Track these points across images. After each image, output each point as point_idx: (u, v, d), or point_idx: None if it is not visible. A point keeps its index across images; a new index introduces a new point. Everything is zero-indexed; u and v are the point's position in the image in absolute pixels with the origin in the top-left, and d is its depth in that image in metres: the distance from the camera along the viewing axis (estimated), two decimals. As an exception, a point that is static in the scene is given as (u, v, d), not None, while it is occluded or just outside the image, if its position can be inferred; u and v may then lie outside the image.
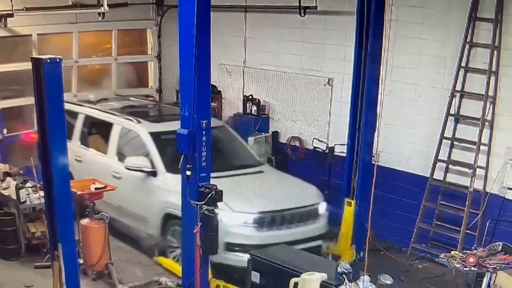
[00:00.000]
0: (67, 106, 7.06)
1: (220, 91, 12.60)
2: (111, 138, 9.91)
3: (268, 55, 11.74)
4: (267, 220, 8.31)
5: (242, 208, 8.23)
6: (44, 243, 8.84)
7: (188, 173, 6.38)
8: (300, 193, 9.09)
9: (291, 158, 11.61)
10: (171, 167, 8.50)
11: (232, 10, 11.87)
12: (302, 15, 9.89)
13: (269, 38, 11.67)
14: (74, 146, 10.01)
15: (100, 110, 10.44)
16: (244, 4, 11.73)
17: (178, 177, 6.82)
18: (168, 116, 10.29)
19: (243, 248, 7.91)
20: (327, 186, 10.13)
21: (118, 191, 8.79)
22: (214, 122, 7.32)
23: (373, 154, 8.67)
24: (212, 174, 6.71)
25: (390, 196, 9.70)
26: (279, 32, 11.43)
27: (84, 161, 10.20)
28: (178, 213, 7.27)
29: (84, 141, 10.51)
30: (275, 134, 11.82)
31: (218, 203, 6.51)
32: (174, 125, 7.00)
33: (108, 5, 7.61)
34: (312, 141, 11.06)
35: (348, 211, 8.81)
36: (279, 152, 11.74)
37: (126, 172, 9.25)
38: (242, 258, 7.55)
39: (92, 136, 10.67)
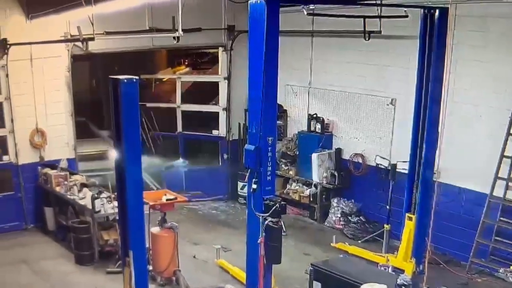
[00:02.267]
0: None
1: (285, 110, 12.59)
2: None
3: (332, 76, 11.59)
4: None
5: None
6: (116, 250, 9.01)
7: (254, 186, 6.29)
8: None
9: (353, 174, 11.38)
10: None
11: (300, 35, 11.83)
12: (367, 39, 9.68)
13: (334, 60, 11.53)
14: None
15: None
16: (311, 29, 11.64)
17: None
18: None
19: None
20: (389, 201, 9.82)
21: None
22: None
23: (434, 171, 8.30)
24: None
25: (450, 211, 9.37)
26: (344, 54, 11.29)
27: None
28: None
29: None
30: (338, 151, 11.61)
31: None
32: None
33: (182, 29, 7.69)
34: (375, 158, 10.77)
35: (409, 225, 8.49)
36: (342, 168, 11.52)
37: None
38: None
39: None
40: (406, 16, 8.66)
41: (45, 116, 11.34)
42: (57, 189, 10.62)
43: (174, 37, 7.95)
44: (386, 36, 9.92)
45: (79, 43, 10.07)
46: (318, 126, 11.70)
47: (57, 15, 9.26)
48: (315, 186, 11.73)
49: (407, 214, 8.53)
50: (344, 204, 11.41)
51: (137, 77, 6.73)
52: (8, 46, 10.64)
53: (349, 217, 11.24)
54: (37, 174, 11.25)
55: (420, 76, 8.23)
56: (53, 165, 11.28)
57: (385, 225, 9.60)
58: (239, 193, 12.99)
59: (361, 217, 11.21)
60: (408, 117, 8.92)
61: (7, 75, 10.84)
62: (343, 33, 10.89)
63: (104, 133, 14.82)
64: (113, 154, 6.64)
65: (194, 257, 9.77)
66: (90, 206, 9.53)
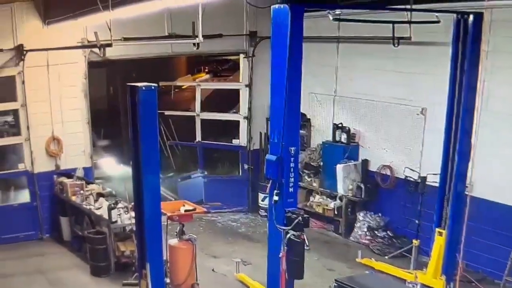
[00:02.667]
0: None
1: (309, 119, 12.62)
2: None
3: (359, 84, 11.58)
4: None
5: None
6: (133, 261, 9.13)
7: (276, 198, 6.33)
8: None
9: (381, 187, 11.34)
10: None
11: (325, 41, 11.86)
12: (396, 45, 9.67)
13: (361, 67, 11.53)
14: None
15: None
16: (337, 35, 11.68)
17: None
18: None
19: None
20: (418, 215, 9.75)
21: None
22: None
23: (466, 184, 8.23)
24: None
25: (483, 227, 9.22)
26: (371, 61, 11.28)
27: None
28: None
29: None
30: (365, 162, 11.57)
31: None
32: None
33: (203, 36, 7.80)
34: (404, 170, 10.66)
35: (439, 240, 8.37)
36: (368, 180, 11.47)
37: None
38: None
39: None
40: (438, 22, 8.60)
41: (61, 123, 11.59)
42: (73, 198, 10.82)
43: (194, 44, 8.06)
44: (417, 43, 9.87)
45: (96, 49, 10.31)
46: (344, 136, 11.68)
47: (74, 20, 9.46)
48: (340, 198, 11.70)
49: (437, 229, 8.40)
50: (370, 218, 11.36)
51: (155, 85, 6.86)
52: (24, 52, 10.93)
53: (376, 232, 11.18)
54: (53, 183, 11.50)
55: (452, 84, 8.16)
56: (69, 174, 11.51)
57: (414, 241, 9.53)
58: (260, 204, 13.03)
59: (388, 232, 11.15)
60: (439, 127, 8.82)
61: (23, 82, 11.12)
62: (371, 39, 10.88)
63: (103, 142, 15.08)
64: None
65: (213, 270, 9.84)
66: (106, 216, 9.67)
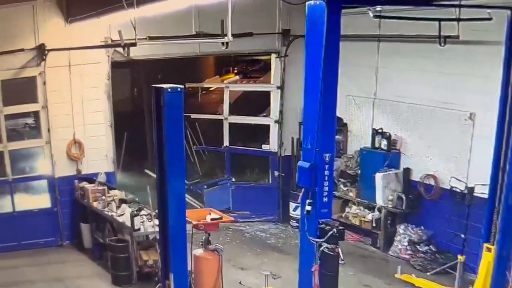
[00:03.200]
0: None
1: (346, 124, 12.55)
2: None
3: (401, 87, 11.47)
4: None
5: None
6: (156, 271, 9.23)
7: (308, 208, 6.30)
8: None
9: (424, 198, 11.19)
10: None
11: (364, 40, 11.80)
12: (442, 45, 9.55)
13: (403, 68, 11.42)
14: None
15: None
16: (377, 34, 11.59)
17: None
18: None
19: None
20: (464, 229, 9.60)
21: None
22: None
23: (518, 197, 8.05)
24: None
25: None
26: (415, 62, 11.16)
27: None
28: None
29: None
30: (407, 171, 11.45)
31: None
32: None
33: (232, 34, 7.83)
34: (449, 180, 10.56)
35: (487, 257, 8.24)
36: (410, 190, 11.35)
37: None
38: None
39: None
40: (490, 19, 8.47)
41: (83, 126, 11.84)
42: (95, 204, 11.01)
43: (222, 43, 8.11)
44: (465, 42, 9.76)
45: (120, 49, 10.47)
46: (384, 142, 11.58)
47: (98, 18, 9.63)
48: (379, 210, 11.60)
49: (485, 245, 8.28)
50: (412, 231, 11.23)
51: (181, 86, 6.93)
52: (46, 51, 11.21)
53: (417, 246, 11.05)
54: (73, 188, 11.75)
55: (504, 87, 8.03)
56: (90, 179, 11.74)
57: (459, 256, 9.40)
58: (291, 214, 13.02)
59: (431, 246, 11.00)
60: (489, 134, 8.70)
61: (44, 83, 11.41)
62: (415, 38, 10.78)
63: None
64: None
65: (240, 283, 9.88)
66: (129, 224, 9.80)
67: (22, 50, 11.06)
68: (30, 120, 11.74)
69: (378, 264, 11.09)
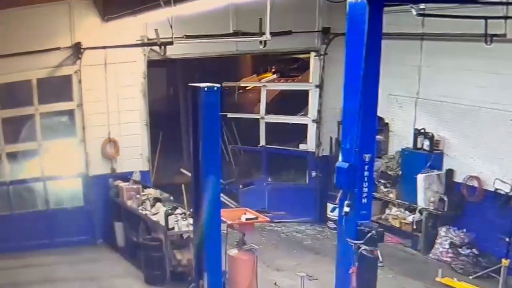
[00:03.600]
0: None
1: (387, 124, 12.54)
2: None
3: (445, 86, 11.41)
4: None
5: None
6: (190, 271, 9.32)
7: (347, 209, 6.38)
8: None
9: (467, 200, 11.13)
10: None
11: (407, 38, 11.77)
12: (488, 43, 9.50)
13: (447, 67, 11.35)
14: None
15: None
16: (421, 32, 11.56)
17: None
18: None
19: None
20: (509, 232, 9.53)
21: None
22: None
23: None
24: None
25: None
26: (460, 61, 11.08)
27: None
28: None
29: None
30: (450, 173, 11.41)
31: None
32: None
33: (270, 33, 7.92)
34: (494, 182, 10.49)
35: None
36: (453, 192, 11.31)
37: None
38: None
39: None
40: (539, 17, 8.39)
41: (118, 125, 12.15)
42: (129, 203, 11.29)
43: (260, 42, 8.20)
44: (513, 40, 9.69)
45: (156, 48, 10.65)
46: (426, 143, 11.56)
47: (134, 17, 9.84)
48: (420, 212, 11.59)
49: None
50: (454, 233, 11.20)
51: (218, 85, 7.08)
52: (82, 50, 11.55)
53: (459, 249, 11.01)
54: (108, 187, 12.06)
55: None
56: (125, 177, 12.02)
57: (503, 260, 9.38)
58: (328, 216, 13.09)
59: (473, 250, 10.96)
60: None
61: (79, 81, 11.74)
62: (459, 37, 10.71)
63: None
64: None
65: (275, 284, 10.01)
66: (163, 223, 9.98)
67: (58, 48, 11.42)
68: (64, 119, 12.08)
69: (418, 267, 11.08)
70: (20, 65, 11.17)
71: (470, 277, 10.34)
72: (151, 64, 12.35)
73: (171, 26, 8.21)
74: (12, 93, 11.70)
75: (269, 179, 13.97)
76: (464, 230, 11.19)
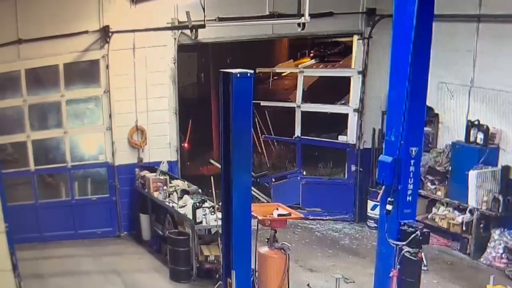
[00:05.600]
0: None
1: (437, 114, 12.31)
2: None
3: (505, 74, 11.09)
4: None
5: None
6: (217, 268, 9.44)
7: (389, 207, 6.29)
8: None
9: (524, 200, 10.89)
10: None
11: (461, 20, 11.54)
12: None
13: (508, 53, 11.02)
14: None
15: None
16: (477, 13, 11.28)
17: None
18: None
19: None
20: None
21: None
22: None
23: None
24: None
25: None
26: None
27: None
28: None
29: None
30: (506, 169, 11.15)
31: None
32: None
33: (310, 14, 7.81)
34: (555, 181, 10.25)
35: None
36: (509, 191, 11.03)
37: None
38: None
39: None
40: None
41: (146, 112, 12.25)
42: (155, 194, 11.37)
43: (299, 24, 8.13)
44: None
45: (187, 31, 10.70)
46: (481, 136, 11.32)
47: (164, -1, 9.86)
48: (471, 212, 11.40)
49: None
50: (508, 237, 10.98)
51: (251, 71, 7.05)
52: (110, 34, 11.64)
53: (515, 255, 10.80)
54: (134, 177, 12.19)
55: None
56: (152, 167, 12.14)
57: None
58: (368, 214, 13.01)
59: (530, 256, 10.72)
60: None
61: (107, 66, 11.85)
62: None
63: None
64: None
65: (308, 285, 9.94)
66: (190, 216, 10.05)
67: (86, 32, 11.54)
68: (91, 105, 12.24)
69: (467, 272, 10.91)
70: (47, 50, 11.33)
71: (526, 285, 10.11)
72: (181, 48, 12.39)
73: (203, 8, 8.21)
74: (38, 79, 11.84)
75: (304, 173, 13.90)
76: (521, 233, 10.96)
